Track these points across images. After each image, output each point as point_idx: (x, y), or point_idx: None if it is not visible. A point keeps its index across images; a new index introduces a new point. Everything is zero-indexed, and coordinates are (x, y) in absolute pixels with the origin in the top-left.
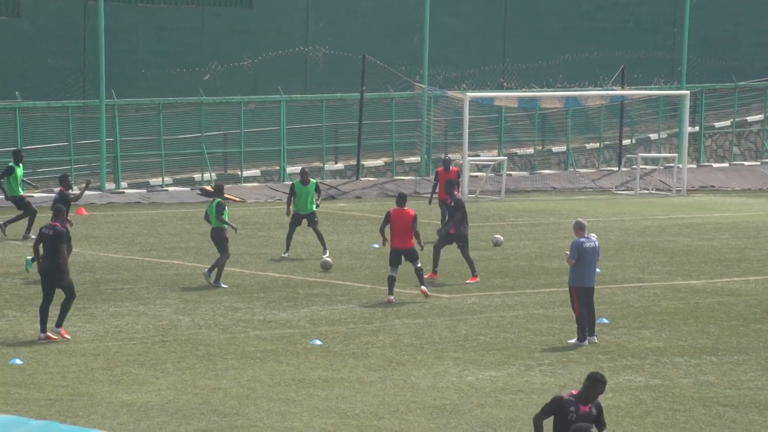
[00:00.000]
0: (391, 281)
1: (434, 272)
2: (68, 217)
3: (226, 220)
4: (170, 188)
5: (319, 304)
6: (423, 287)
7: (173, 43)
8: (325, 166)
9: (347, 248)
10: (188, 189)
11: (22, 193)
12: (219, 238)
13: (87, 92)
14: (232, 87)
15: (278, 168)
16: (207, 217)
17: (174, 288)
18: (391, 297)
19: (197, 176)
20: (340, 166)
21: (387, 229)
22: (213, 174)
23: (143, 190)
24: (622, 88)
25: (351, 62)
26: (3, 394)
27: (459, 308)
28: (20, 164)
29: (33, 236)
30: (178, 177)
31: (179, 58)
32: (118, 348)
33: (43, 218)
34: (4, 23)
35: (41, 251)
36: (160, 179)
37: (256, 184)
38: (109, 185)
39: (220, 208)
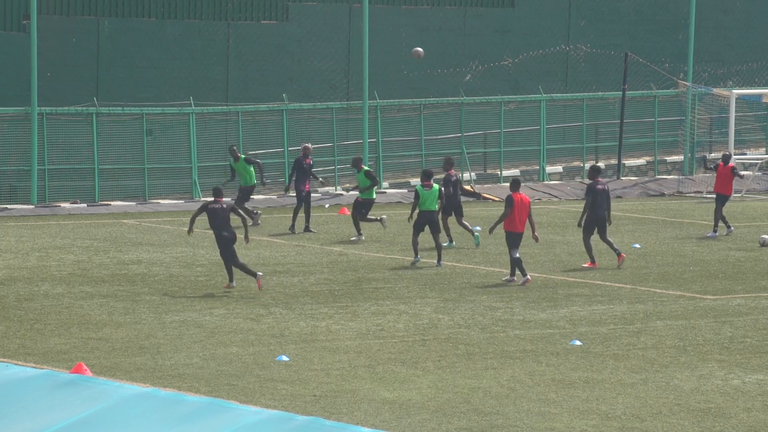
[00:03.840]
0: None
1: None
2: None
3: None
4: None
5: (579, 305)
6: None
7: (435, 43)
8: (585, 165)
9: (605, 248)
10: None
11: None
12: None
13: (351, 94)
14: (492, 87)
15: (538, 167)
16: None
17: (433, 287)
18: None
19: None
20: (600, 165)
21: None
22: (473, 174)
23: (404, 190)
24: None
25: (613, 60)
26: (270, 390)
27: (724, 310)
28: None
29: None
30: (437, 177)
31: (440, 58)
32: (379, 346)
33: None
34: (274, 27)
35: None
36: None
37: None
38: None
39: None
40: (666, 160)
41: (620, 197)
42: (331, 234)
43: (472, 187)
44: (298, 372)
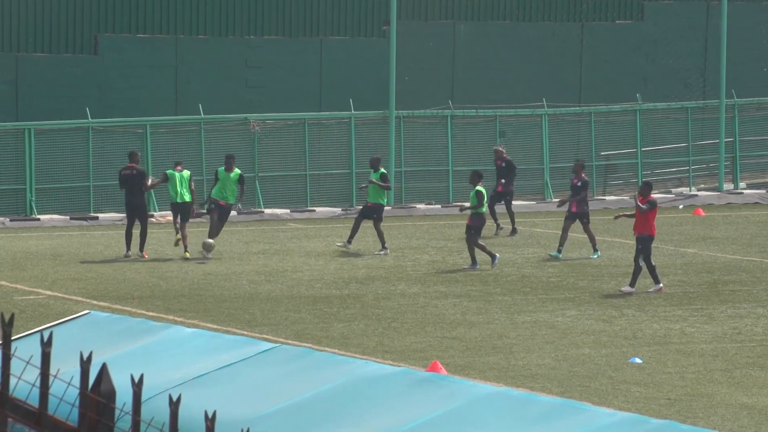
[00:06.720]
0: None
1: None
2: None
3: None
4: None
5: None
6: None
7: None
8: None
9: None
10: None
11: None
12: None
13: (707, 92)
14: None
15: None
16: None
17: None
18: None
19: None
20: None
21: None
22: None
23: (762, 191)
24: None
25: None
26: (624, 392)
27: None
28: None
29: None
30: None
31: None
32: (736, 350)
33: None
34: (629, 27)
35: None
36: None
37: None
38: (727, 186)
39: None
40: None
41: None
42: (685, 235)
43: None
44: (651, 375)
